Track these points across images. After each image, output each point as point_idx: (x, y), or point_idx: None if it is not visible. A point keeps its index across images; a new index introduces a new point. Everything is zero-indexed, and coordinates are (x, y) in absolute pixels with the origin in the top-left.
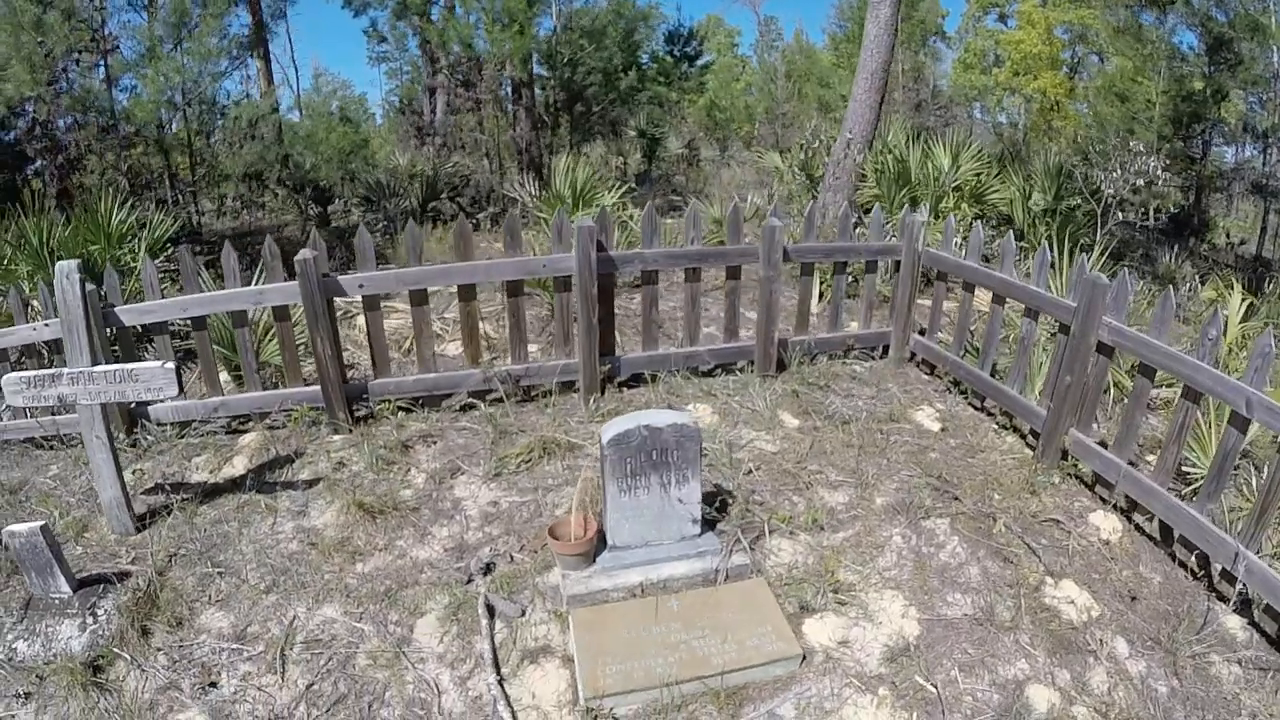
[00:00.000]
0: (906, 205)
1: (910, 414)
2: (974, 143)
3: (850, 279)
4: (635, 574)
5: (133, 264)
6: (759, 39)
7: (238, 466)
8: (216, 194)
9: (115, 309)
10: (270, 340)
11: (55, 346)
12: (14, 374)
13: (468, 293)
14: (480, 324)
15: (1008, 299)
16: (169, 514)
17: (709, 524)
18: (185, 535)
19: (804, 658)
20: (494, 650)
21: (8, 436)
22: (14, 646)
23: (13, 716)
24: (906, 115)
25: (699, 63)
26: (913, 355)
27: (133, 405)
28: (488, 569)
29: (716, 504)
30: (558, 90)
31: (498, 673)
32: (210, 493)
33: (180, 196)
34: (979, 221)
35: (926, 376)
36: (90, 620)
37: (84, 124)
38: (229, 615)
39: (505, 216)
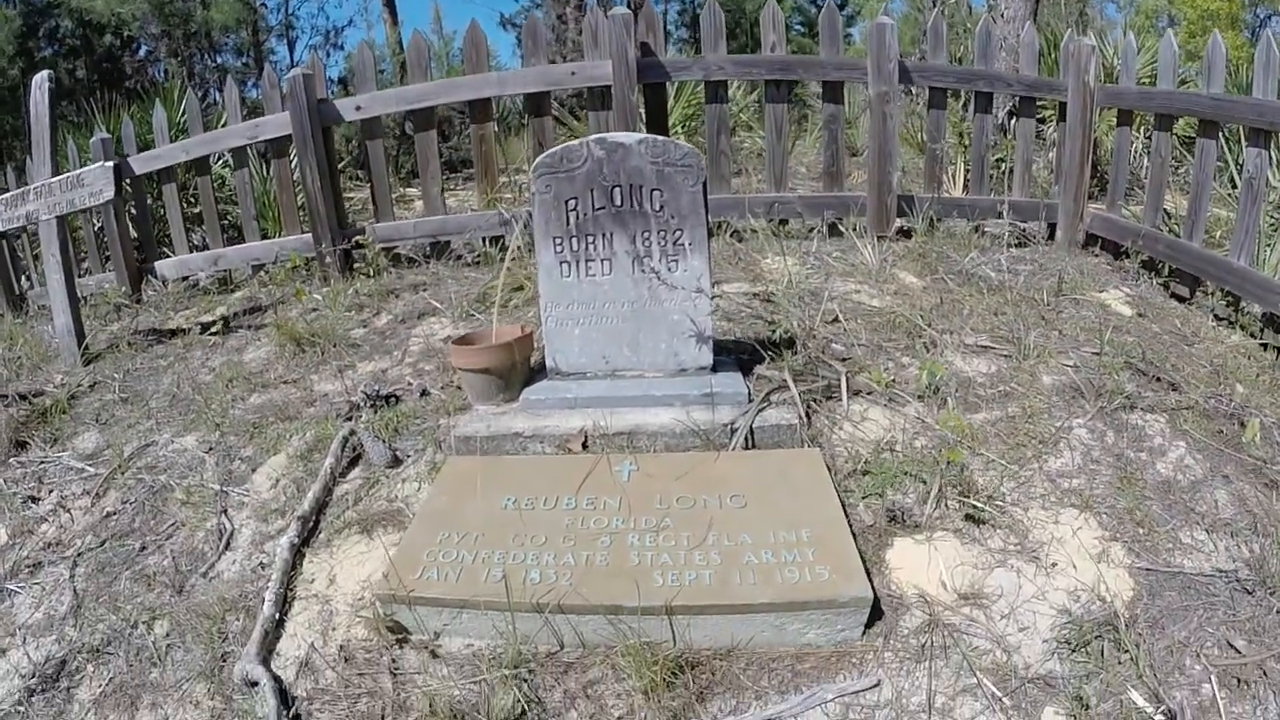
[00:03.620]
0: (1071, 29)
1: (1089, 292)
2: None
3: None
4: (578, 415)
5: None
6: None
7: (215, 314)
8: None
9: (128, 158)
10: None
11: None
12: None
13: (482, 112)
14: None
15: (1223, 126)
16: (120, 349)
17: (737, 359)
18: (122, 366)
19: (876, 608)
20: (315, 507)
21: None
22: None
23: None
24: None
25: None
26: (1089, 238)
27: (140, 261)
28: (385, 401)
29: (766, 343)
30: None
31: (301, 538)
32: (171, 335)
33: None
34: (1170, 31)
35: (1108, 266)
36: None
37: (168, 34)
38: (101, 437)
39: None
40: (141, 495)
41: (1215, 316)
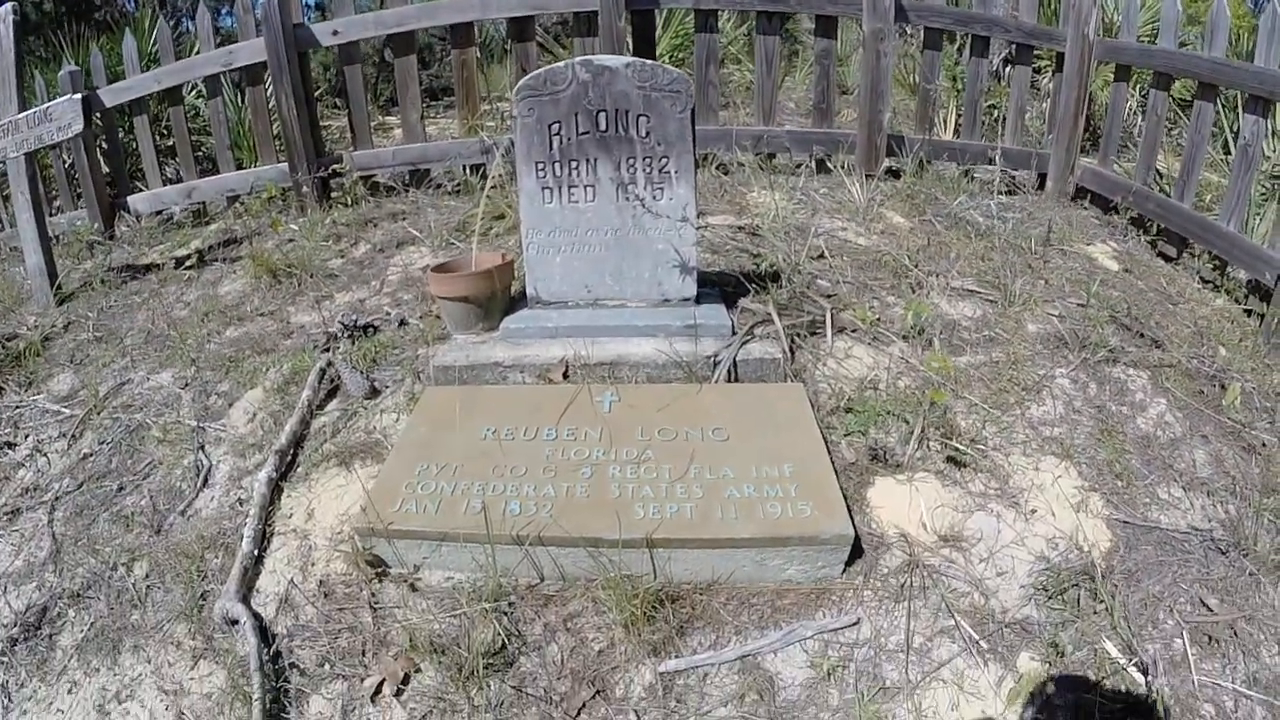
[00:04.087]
0: None
1: (1076, 243)
2: None
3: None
4: (559, 345)
5: None
6: None
7: (190, 248)
8: None
9: (97, 90)
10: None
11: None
12: None
13: (463, 36)
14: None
15: (1221, 91)
16: (94, 287)
17: (721, 291)
18: (96, 305)
19: (856, 546)
20: (293, 440)
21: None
22: None
23: None
24: None
25: None
26: (1079, 191)
27: (112, 196)
28: (362, 331)
29: (751, 276)
30: None
31: (279, 472)
32: (145, 270)
33: None
34: None
35: (1097, 220)
36: None
37: None
38: (76, 378)
39: None
40: (118, 435)
41: (1201, 279)
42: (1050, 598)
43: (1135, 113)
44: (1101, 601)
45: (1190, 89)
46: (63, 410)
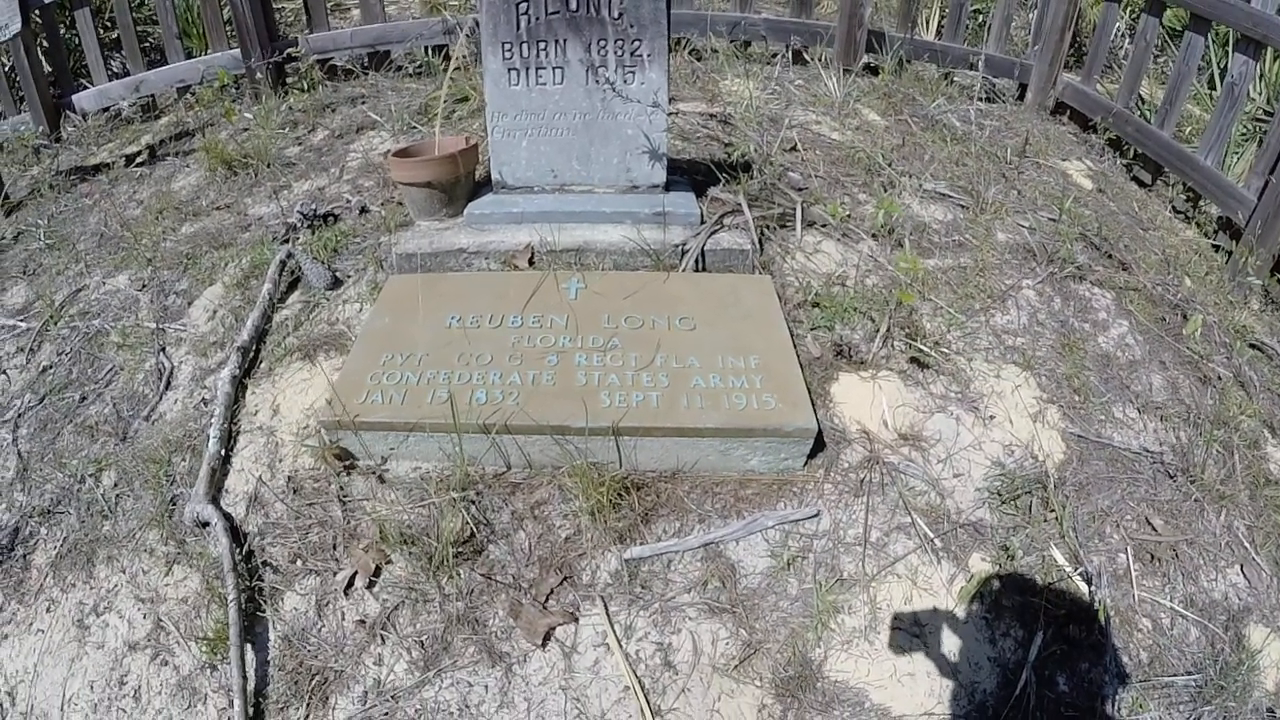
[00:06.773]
0: None
1: (1052, 158)
2: None
3: None
4: (524, 231)
5: None
6: None
7: (140, 144)
8: None
9: None
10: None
11: None
12: None
13: None
14: None
15: (1214, 26)
16: (42, 193)
17: (691, 179)
18: (46, 211)
19: (819, 440)
20: (255, 336)
21: None
22: None
23: None
24: None
25: None
26: (1059, 106)
27: (56, 97)
28: (323, 220)
29: (722, 165)
30: None
31: (242, 369)
32: (95, 171)
33: None
34: None
35: (1074, 137)
36: None
37: None
38: (30, 290)
39: None
40: (77, 344)
41: (1173, 208)
42: (1003, 503)
43: (1123, 35)
44: (1052, 511)
45: (1182, 19)
46: (19, 324)
